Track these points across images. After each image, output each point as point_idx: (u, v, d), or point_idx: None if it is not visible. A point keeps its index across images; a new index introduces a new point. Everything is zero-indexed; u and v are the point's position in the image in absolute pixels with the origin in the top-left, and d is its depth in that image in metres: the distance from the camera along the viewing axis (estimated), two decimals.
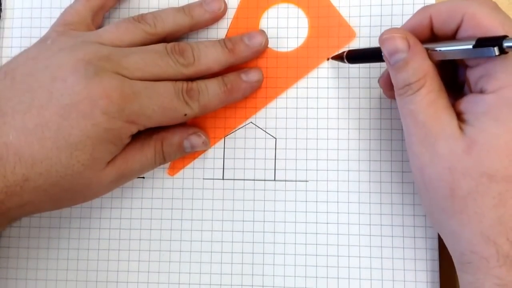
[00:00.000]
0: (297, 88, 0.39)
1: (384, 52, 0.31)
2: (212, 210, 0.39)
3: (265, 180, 0.39)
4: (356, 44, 0.38)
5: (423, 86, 0.30)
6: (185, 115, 0.35)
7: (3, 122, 0.31)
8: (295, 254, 0.38)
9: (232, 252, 0.38)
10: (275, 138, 0.39)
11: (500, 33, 0.27)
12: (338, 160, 0.38)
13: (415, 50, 0.30)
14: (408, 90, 0.30)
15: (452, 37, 0.30)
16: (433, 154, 0.29)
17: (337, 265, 0.37)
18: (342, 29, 0.39)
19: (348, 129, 0.38)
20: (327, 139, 0.38)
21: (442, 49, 0.30)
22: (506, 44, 0.26)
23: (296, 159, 0.38)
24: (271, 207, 0.38)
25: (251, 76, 0.38)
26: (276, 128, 0.39)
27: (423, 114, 0.29)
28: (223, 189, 0.39)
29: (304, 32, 0.39)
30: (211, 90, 0.36)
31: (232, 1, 0.40)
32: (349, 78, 0.38)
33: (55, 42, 0.34)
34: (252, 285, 0.38)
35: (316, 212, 0.38)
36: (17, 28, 0.41)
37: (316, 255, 0.37)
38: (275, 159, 0.39)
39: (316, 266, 0.37)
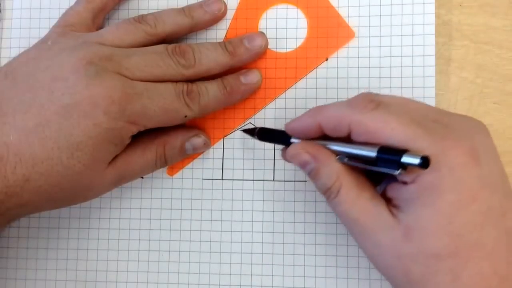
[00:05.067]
0: (296, 88, 0.39)
1: (298, 166, 0.32)
2: (211, 210, 0.39)
3: (264, 180, 0.39)
4: (355, 44, 0.38)
5: (341, 187, 0.30)
6: (185, 116, 0.35)
7: (3, 122, 0.31)
8: (293, 254, 0.38)
9: (230, 252, 0.38)
10: None
11: (386, 135, 0.28)
12: None
13: (320, 158, 0.31)
14: (330, 194, 0.31)
15: (346, 139, 0.31)
16: (377, 246, 0.29)
17: (336, 265, 0.37)
18: (341, 29, 0.39)
19: None
20: None
21: (339, 149, 0.31)
22: (405, 160, 0.27)
23: None
24: (269, 207, 0.38)
25: (250, 78, 0.38)
26: (275, 128, 0.39)
27: (351, 213, 0.30)
28: (222, 189, 0.39)
29: (303, 33, 0.39)
30: (211, 92, 0.36)
31: (232, 2, 0.40)
32: (348, 78, 0.38)
33: (56, 43, 0.34)
34: (251, 285, 0.38)
35: (315, 212, 0.38)
36: (16, 28, 0.41)
37: (315, 255, 0.38)
38: (274, 159, 0.39)
39: (315, 266, 0.37)
